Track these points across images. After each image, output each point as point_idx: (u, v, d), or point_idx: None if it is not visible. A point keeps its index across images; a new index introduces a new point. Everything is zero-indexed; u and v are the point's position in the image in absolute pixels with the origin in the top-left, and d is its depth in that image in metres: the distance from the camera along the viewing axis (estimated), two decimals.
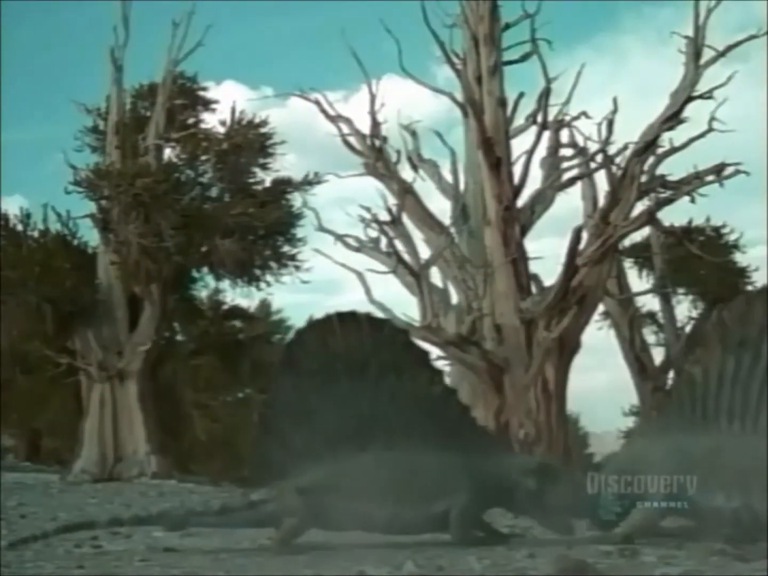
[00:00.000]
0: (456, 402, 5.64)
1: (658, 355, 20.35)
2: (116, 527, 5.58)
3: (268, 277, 17.26)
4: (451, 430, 5.28)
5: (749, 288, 20.39)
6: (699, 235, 19.62)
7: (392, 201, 14.93)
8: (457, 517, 5.05)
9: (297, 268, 17.12)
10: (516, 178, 14.57)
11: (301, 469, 5.13)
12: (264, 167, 17.53)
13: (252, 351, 19.43)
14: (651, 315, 20.98)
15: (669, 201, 14.01)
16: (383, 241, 14.71)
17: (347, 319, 5.52)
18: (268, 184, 17.54)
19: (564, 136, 15.25)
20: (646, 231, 18.20)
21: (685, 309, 20.74)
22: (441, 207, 15.57)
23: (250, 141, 17.02)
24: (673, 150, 13.81)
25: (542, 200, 14.69)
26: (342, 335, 5.40)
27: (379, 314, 14.16)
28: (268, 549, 5.12)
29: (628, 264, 20.57)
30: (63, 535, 5.39)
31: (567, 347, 13.59)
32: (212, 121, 18.42)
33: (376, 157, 15.15)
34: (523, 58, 15.38)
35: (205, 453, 20.63)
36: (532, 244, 14.77)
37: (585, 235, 13.49)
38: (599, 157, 14.37)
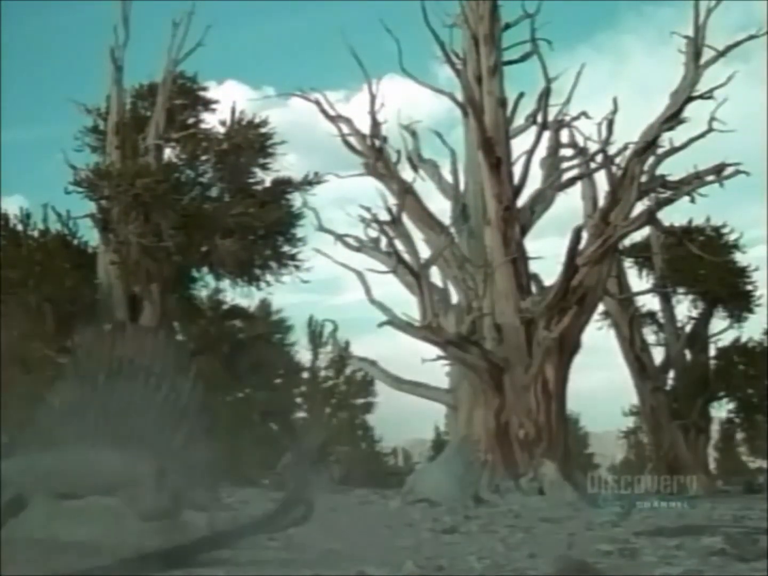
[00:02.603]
0: None
1: (658, 355, 20.41)
2: None
3: (268, 277, 17.21)
4: None
5: (749, 288, 20.47)
6: (699, 235, 19.66)
7: (392, 201, 14.94)
8: None
9: (297, 268, 17.08)
10: (516, 178, 14.57)
11: None
12: (264, 167, 17.49)
13: (252, 351, 19.40)
14: (651, 315, 21.00)
15: (669, 201, 14.01)
16: (383, 241, 14.72)
17: None
18: (268, 184, 17.49)
19: (564, 136, 15.29)
20: (646, 231, 18.23)
21: (685, 309, 20.80)
22: (441, 207, 15.59)
23: (250, 141, 16.98)
24: (673, 150, 13.81)
25: (542, 200, 14.69)
26: None
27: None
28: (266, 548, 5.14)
29: (628, 264, 20.60)
30: None
31: (567, 347, 13.59)
32: (212, 121, 18.39)
33: (376, 157, 15.15)
34: (523, 58, 15.39)
35: None
36: (532, 244, 14.79)
37: (585, 235, 13.49)
38: (599, 157, 14.38)
